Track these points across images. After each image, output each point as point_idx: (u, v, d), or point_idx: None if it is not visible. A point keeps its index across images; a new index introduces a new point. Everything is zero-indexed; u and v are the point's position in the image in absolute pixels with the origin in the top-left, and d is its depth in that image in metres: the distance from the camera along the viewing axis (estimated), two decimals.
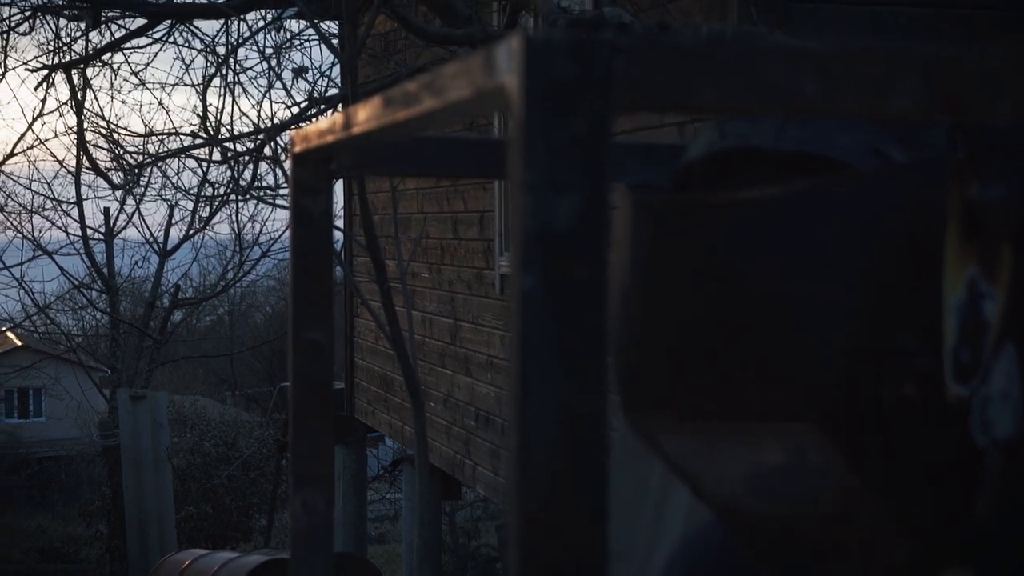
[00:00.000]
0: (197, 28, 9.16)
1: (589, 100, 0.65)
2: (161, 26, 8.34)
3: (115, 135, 11.54)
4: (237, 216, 18.21)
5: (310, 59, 30.87)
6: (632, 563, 4.42)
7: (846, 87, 0.70)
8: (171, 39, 9.02)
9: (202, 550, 10.25)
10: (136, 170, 12.48)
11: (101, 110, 21.45)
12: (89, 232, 17.91)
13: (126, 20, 8.54)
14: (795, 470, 1.06)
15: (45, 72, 9.27)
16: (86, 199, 18.06)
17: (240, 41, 8.48)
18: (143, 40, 8.77)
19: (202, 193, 15.03)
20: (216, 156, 9.42)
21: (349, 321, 11.55)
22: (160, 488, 13.36)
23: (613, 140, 0.66)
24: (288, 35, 8.82)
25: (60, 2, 8.36)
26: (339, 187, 10.56)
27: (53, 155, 24.85)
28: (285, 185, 9.13)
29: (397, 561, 14.72)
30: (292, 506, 1.25)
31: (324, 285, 1.24)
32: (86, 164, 13.27)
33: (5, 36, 9.86)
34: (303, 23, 8.59)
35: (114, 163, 11.92)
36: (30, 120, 17.12)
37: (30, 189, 18.34)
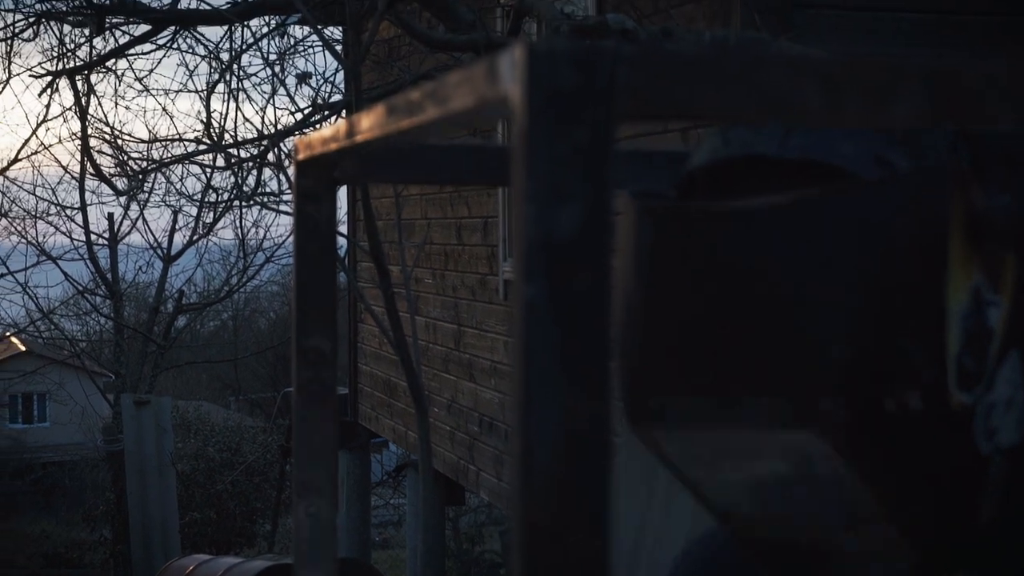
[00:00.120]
0: (201, 34, 9.19)
1: (592, 109, 0.65)
2: (165, 32, 8.34)
3: (119, 141, 11.55)
4: (241, 221, 18.27)
5: (314, 65, 30.86)
6: (639, 561, 4.42)
7: (848, 96, 0.70)
8: (175, 45, 9.03)
9: (206, 555, 10.26)
10: (140, 176, 12.50)
11: (105, 116, 21.53)
12: (93, 237, 17.94)
13: (130, 26, 8.55)
14: (799, 477, 1.06)
15: (49, 78, 9.28)
16: (90, 204, 18.08)
17: (244, 47, 8.49)
18: (147, 46, 8.77)
19: (206, 199, 15.05)
20: (220, 162, 9.43)
21: (353, 327, 11.55)
22: (164, 493, 13.37)
23: (616, 148, 0.66)
24: (292, 41, 8.85)
25: (64, 8, 8.38)
26: (343, 192, 10.56)
27: (57, 161, 24.91)
28: (289, 191, 9.14)
29: (401, 566, 14.71)
30: (295, 513, 1.25)
31: (327, 293, 1.24)
32: (90, 170, 13.30)
33: (9, 42, 9.88)
34: (307, 29, 8.60)
35: (118, 169, 11.94)
36: (34, 126, 17.16)
37: (34, 195, 18.39)
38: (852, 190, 1.02)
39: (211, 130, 8.43)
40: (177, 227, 18.45)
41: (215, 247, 20.21)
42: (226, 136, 8.45)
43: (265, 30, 8.54)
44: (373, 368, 11.08)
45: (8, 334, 22.73)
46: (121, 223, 18.30)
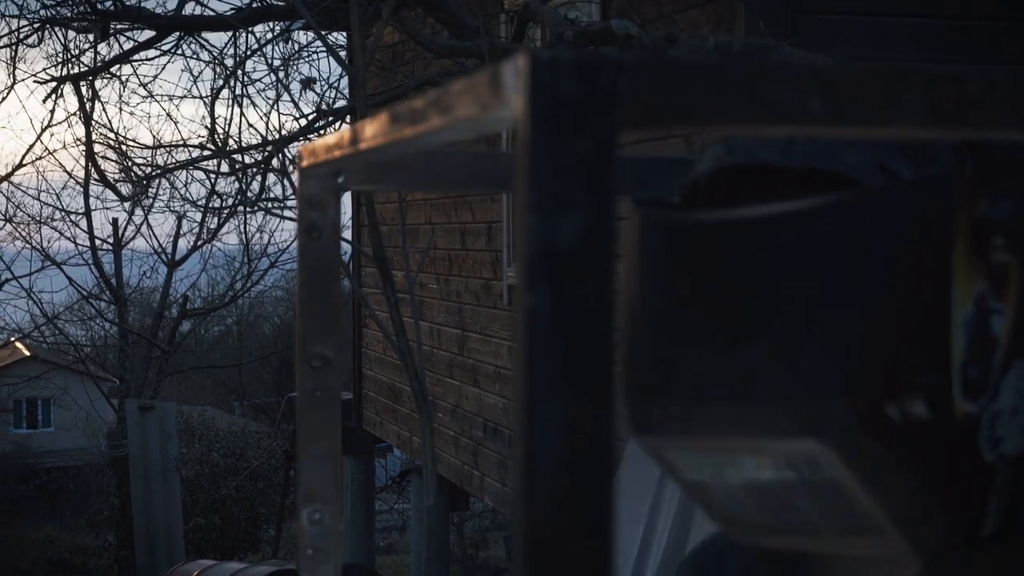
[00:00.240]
0: (205, 40, 9.18)
1: (594, 118, 0.65)
2: (169, 38, 8.35)
3: (123, 146, 11.56)
4: (245, 227, 18.29)
5: (318, 71, 30.95)
6: (644, 568, 4.43)
7: (852, 105, 0.70)
8: (179, 51, 9.04)
9: (210, 561, 10.27)
10: (144, 181, 12.51)
11: (109, 121, 21.52)
12: (97, 243, 17.96)
13: (134, 32, 8.56)
14: (803, 485, 1.06)
15: (54, 84, 9.28)
16: (94, 210, 18.11)
17: (248, 53, 8.49)
18: (151, 52, 8.78)
19: (210, 204, 15.05)
20: (224, 168, 9.43)
21: (357, 332, 11.56)
22: (168, 498, 13.37)
23: (619, 156, 0.66)
24: (296, 47, 8.83)
25: (69, 14, 8.38)
26: (347, 197, 10.57)
27: (62, 166, 25.00)
28: (293, 197, 9.14)
29: (405, 572, 14.71)
30: (300, 518, 1.25)
31: (331, 300, 1.24)
32: (94, 175, 13.31)
33: (14, 48, 9.90)
34: (311, 35, 8.61)
35: (122, 174, 11.94)
36: (39, 131, 17.17)
37: (39, 200, 18.46)
38: (856, 198, 1.02)
39: (215, 136, 8.44)
40: (181, 232, 18.48)
41: (219, 252, 20.25)
42: (230, 142, 8.45)
43: (269, 36, 8.54)
44: (377, 373, 11.08)
45: (13, 339, 22.75)
46: (125, 228, 18.34)
